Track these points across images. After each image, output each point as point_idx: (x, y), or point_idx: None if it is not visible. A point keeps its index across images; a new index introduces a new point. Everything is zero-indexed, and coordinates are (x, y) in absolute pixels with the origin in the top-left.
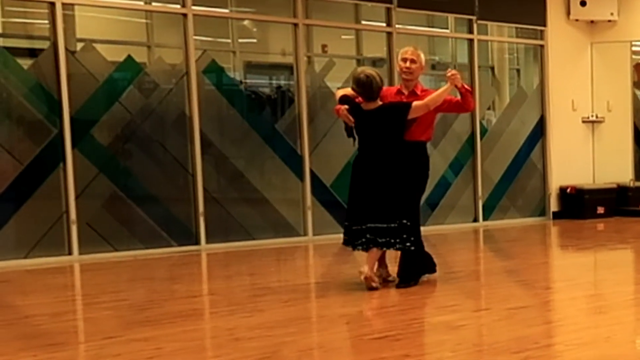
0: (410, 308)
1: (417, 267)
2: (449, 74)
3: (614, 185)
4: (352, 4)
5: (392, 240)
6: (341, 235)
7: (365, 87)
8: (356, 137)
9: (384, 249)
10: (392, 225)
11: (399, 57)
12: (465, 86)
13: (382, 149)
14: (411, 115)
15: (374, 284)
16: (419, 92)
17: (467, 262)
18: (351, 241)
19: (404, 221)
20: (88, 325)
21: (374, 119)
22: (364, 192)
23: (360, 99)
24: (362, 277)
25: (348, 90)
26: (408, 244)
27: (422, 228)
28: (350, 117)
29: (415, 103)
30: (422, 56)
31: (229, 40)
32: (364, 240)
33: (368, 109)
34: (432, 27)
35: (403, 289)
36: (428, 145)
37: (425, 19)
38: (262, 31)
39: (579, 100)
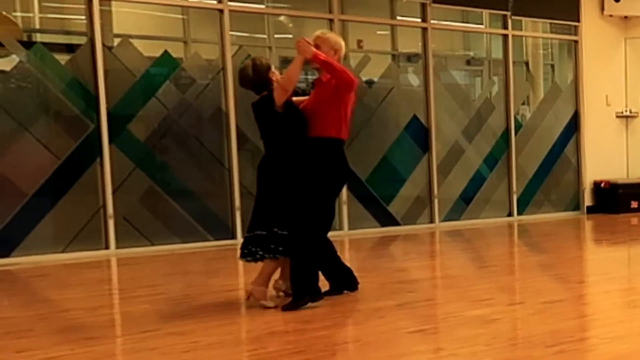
0: (444, 302)
1: (300, 284)
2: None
3: None
4: None
5: (253, 249)
6: (376, 229)
7: (239, 77)
8: None
9: (248, 260)
10: (260, 233)
11: None
12: (320, 55)
13: (266, 145)
14: (278, 101)
15: (263, 303)
16: (324, 80)
17: (502, 256)
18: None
19: (275, 229)
20: (125, 319)
21: (254, 111)
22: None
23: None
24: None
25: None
26: (274, 253)
27: (456, 222)
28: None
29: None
30: (332, 38)
31: (265, 36)
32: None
33: (253, 101)
34: (467, 22)
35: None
36: (462, 139)
37: (460, 15)
38: (297, 27)
39: (613, 95)
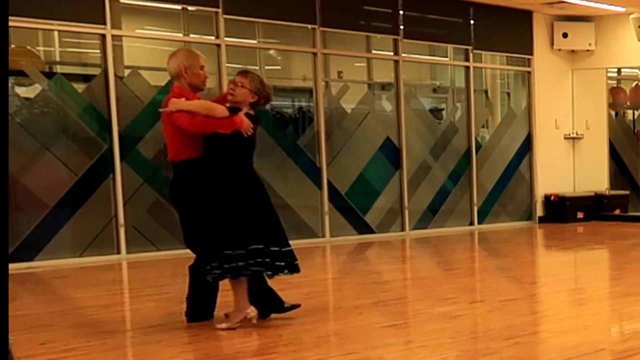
0: (414, 300)
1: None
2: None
3: (592, 194)
4: (364, 35)
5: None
6: (355, 237)
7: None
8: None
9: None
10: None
11: None
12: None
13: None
14: None
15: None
16: None
17: (464, 260)
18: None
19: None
20: (134, 315)
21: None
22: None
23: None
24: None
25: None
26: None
27: (424, 231)
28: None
29: None
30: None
31: (257, 67)
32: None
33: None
34: (434, 55)
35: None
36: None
37: (428, 49)
38: (285, 59)
39: (562, 120)
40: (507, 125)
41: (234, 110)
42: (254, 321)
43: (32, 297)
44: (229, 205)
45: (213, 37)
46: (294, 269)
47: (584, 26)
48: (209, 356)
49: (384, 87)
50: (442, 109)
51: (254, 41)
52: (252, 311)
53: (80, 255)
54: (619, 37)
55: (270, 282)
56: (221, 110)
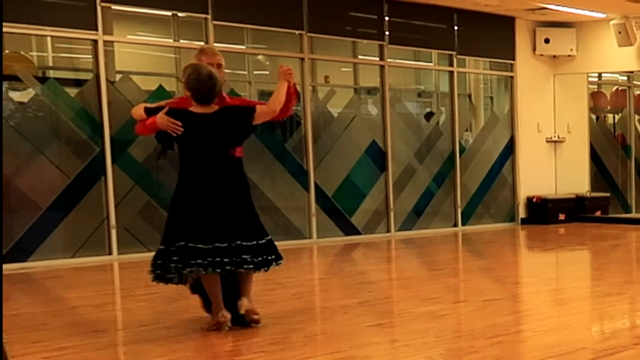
0: (399, 300)
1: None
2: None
3: (573, 196)
4: (350, 41)
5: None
6: (341, 238)
7: (214, 88)
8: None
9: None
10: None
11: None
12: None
13: (224, 155)
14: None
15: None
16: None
17: (448, 260)
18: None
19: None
20: (126, 314)
21: (231, 117)
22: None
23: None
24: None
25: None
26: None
27: (409, 232)
28: (179, 123)
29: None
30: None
31: (246, 72)
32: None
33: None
34: (418, 60)
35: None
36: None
37: (413, 54)
38: (273, 64)
39: (544, 123)
40: (490, 129)
41: (155, 110)
42: (229, 324)
43: (26, 297)
44: (173, 203)
45: (202, 43)
46: (238, 265)
47: (565, 32)
48: (199, 355)
49: (369, 91)
50: (435, 113)
51: (243, 46)
52: (222, 316)
53: (73, 256)
54: (599, 43)
55: (262, 281)
56: (138, 113)
